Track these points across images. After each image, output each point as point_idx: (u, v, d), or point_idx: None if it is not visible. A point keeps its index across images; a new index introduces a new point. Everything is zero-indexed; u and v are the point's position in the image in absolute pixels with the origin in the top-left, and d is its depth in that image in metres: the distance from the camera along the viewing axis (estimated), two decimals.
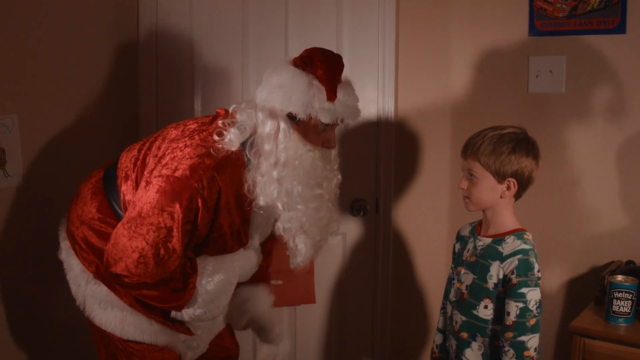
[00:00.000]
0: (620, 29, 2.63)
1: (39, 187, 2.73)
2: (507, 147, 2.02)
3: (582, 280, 2.78)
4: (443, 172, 3.04)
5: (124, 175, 2.14)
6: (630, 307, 2.33)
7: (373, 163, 3.06)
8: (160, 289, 2.02)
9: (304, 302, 3.02)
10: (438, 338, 2.33)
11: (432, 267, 3.11)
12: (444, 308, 2.31)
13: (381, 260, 3.11)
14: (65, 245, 2.22)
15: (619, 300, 2.33)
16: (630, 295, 2.32)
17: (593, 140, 2.73)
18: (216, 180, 1.99)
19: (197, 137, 2.05)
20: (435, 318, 3.10)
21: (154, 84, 2.96)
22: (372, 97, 3.01)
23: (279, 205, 2.06)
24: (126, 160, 2.17)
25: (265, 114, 2.04)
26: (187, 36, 2.94)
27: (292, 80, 2.01)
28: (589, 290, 2.69)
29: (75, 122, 2.83)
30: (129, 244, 1.95)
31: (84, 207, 2.18)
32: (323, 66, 2.02)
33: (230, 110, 2.12)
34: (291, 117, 2.03)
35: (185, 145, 2.03)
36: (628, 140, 2.68)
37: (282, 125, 2.03)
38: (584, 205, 2.77)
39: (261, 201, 2.05)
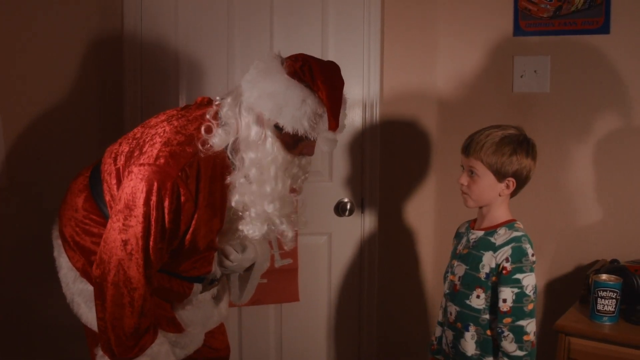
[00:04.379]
0: (605, 29, 2.65)
1: (23, 187, 2.71)
2: (508, 148, 2.08)
3: (567, 279, 2.79)
4: (428, 171, 3.04)
5: (106, 170, 2.11)
6: (614, 306, 2.34)
7: (359, 163, 3.06)
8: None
9: (289, 300, 3.01)
10: (437, 331, 2.37)
11: (418, 266, 3.11)
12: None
13: (367, 260, 3.11)
14: (57, 244, 2.20)
15: (603, 299, 2.34)
16: (615, 294, 2.33)
17: (577, 140, 2.74)
18: (197, 167, 1.96)
19: (175, 123, 2.01)
20: (422, 316, 3.12)
21: (139, 81, 2.94)
22: (358, 99, 3.01)
23: (275, 220, 2.05)
24: (108, 158, 2.14)
25: (252, 118, 1.99)
26: (172, 34, 2.93)
27: (286, 91, 1.93)
28: (574, 289, 2.70)
29: (60, 122, 2.81)
30: (119, 237, 1.93)
31: (71, 204, 2.17)
32: (326, 88, 1.94)
33: (215, 103, 2.07)
34: (277, 127, 1.97)
35: (164, 132, 1.99)
36: (612, 140, 2.69)
37: (269, 134, 1.98)
38: (568, 204, 2.78)
39: (252, 212, 2.02)
